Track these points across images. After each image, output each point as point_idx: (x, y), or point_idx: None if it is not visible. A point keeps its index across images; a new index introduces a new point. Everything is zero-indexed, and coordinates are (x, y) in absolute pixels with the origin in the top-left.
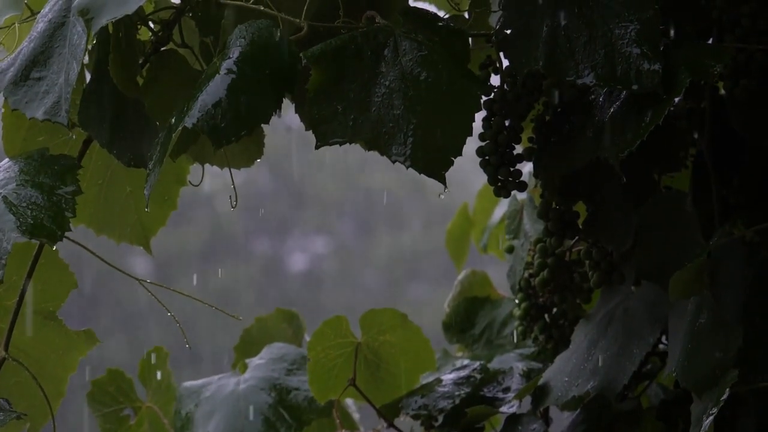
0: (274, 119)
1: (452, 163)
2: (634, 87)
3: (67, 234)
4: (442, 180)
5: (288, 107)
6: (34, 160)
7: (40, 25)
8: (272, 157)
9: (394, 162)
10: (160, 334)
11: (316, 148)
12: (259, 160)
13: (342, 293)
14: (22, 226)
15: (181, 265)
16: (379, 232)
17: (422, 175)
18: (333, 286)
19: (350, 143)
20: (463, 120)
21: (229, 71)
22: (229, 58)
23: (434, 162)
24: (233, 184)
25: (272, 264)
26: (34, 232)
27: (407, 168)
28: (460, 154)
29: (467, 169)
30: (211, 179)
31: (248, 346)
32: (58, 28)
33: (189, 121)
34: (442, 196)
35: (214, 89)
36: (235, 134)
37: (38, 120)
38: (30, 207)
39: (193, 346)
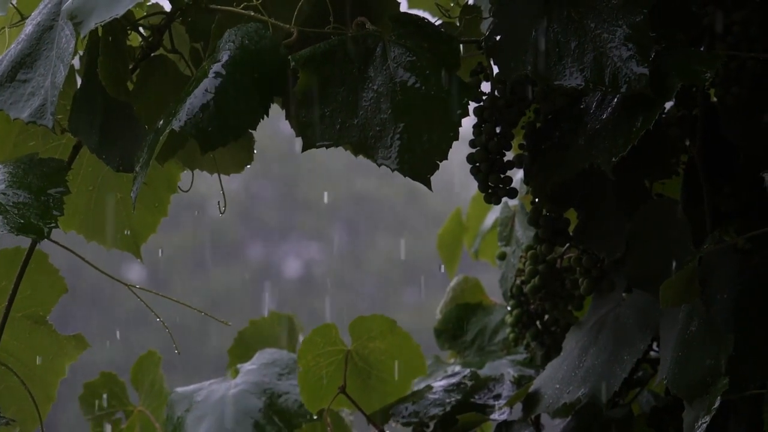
0: (269, 126)
1: (438, 166)
2: (623, 89)
3: (59, 240)
4: (428, 184)
5: (281, 113)
6: (24, 163)
7: (28, 28)
8: (267, 163)
9: (380, 165)
10: (154, 339)
11: (302, 151)
12: (254, 166)
13: (336, 298)
14: (9, 223)
15: (176, 269)
16: (374, 237)
17: (407, 178)
18: (327, 292)
19: (337, 147)
20: (450, 124)
21: (218, 75)
22: (218, 61)
23: (420, 165)
24: (222, 189)
25: (267, 269)
26: (21, 229)
27: (393, 171)
28: (446, 158)
29: (462, 174)
30: (206, 184)
31: (242, 349)
32: (46, 31)
33: (176, 124)
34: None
35: (202, 92)
36: (222, 140)
37: (24, 122)
38: (17, 206)
39: (186, 350)
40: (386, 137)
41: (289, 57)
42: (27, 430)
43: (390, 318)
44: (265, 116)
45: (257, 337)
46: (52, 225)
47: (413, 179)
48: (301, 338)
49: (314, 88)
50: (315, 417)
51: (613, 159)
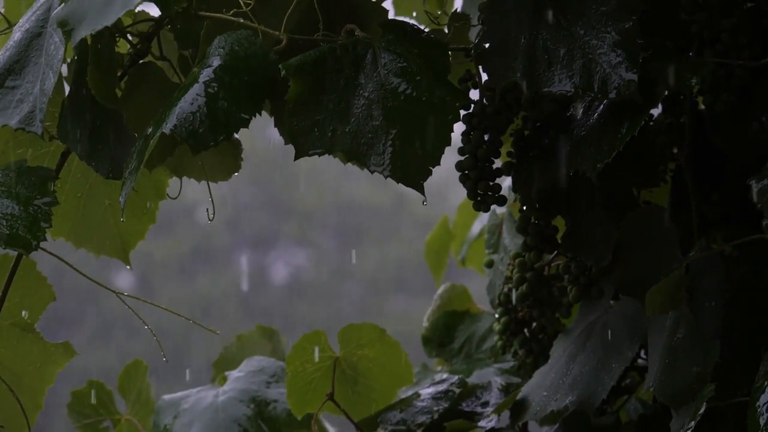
0: (257, 132)
1: (431, 172)
2: (611, 96)
3: (47, 247)
4: (421, 189)
5: (270, 120)
6: (12, 172)
7: (17, 35)
8: (255, 170)
9: (372, 172)
10: (143, 346)
11: (295, 159)
12: (242, 173)
13: (324, 305)
14: None
15: (164, 276)
16: (362, 244)
17: (400, 184)
18: (315, 299)
19: (329, 154)
20: (442, 129)
21: (209, 80)
22: (209, 67)
23: (413, 171)
24: (211, 197)
25: (255, 276)
26: (9, 242)
27: (386, 178)
28: (439, 163)
29: (451, 181)
30: (194, 191)
31: (227, 363)
32: (34, 38)
33: (167, 127)
34: (425, 203)
35: (193, 97)
36: (213, 140)
37: (12, 129)
38: (5, 218)
39: (174, 357)
40: (378, 144)
41: (280, 65)
42: None
43: (379, 327)
44: (257, 114)
45: (242, 351)
46: (41, 237)
47: (406, 185)
48: (287, 351)
49: (305, 96)
50: (303, 417)
51: (598, 165)
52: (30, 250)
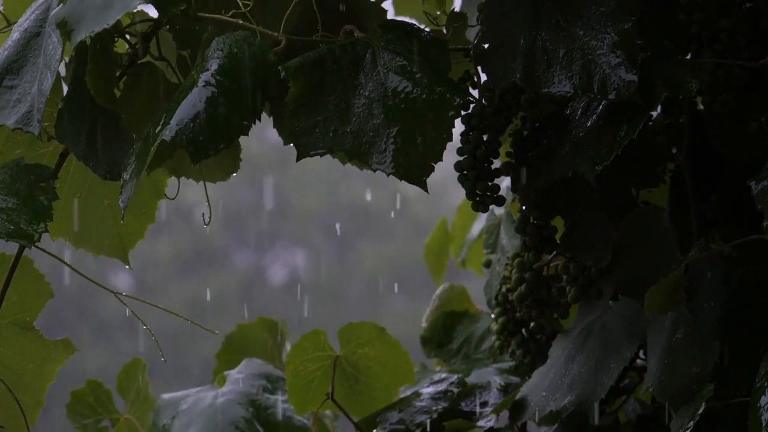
0: (256, 133)
1: (433, 168)
2: (611, 96)
3: (45, 247)
4: (424, 186)
5: (268, 121)
6: (10, 170)
7: (15, 34)
8: (254, 170)
9: (375, 170)
10: (142, 345)
11: (297, 160)
12: (240, 173)
13: (323, 306)
14: None
15: (162, 276)
16: (361, 245)
17: (403, 182)
18: (314, 299)
19: (331, 154)
20: (443, 126)
21: (207, 83)
22: (207, 70)
23: (415, 168)
24: (207, 199)
25: (253, 276)
26: (11, 235)
27: (388, 175)
28: (441, 160)
29: (450, 183)
30: (192, 191)
31: (230, 353)
32: (33, 38)
33: (167, 135)
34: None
35: (192, 102)
36: (213, 148)
37: (10, 129)
38: (6, 212)
39: (173, 357)
40: (380, 142)
41: (279, 67)
42: None
43: (379, 325)
44: (258, 120)
45: (245, 341)
46: (42, 230)
47: (409, 182)
48: (288, 344)
49: (306, 97)
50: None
51: (597, 167)
52: (32, 243)
